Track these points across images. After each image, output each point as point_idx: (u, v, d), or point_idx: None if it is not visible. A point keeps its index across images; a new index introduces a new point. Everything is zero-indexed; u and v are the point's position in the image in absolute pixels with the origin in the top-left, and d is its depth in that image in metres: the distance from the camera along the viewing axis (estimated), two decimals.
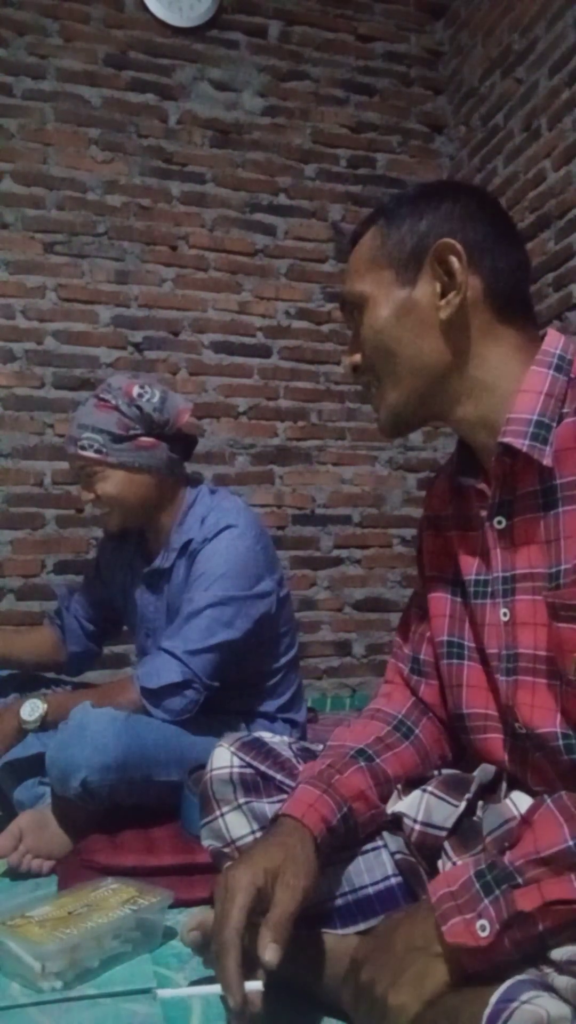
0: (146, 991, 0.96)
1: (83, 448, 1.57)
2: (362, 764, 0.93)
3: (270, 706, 1.65)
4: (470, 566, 0.91)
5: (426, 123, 3.17)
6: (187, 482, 1.68)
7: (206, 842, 0.98)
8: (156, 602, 1.68)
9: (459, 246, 0.83)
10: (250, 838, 0.94)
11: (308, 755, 1.00)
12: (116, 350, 2.71)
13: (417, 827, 0.86)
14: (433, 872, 0.85)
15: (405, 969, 0.69)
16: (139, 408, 1.57)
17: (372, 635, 2.90)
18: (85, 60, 2.75)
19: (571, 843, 0.66)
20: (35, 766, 1.51)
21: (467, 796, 0.86)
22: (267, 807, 0.94)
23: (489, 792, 0.88)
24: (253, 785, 0.96)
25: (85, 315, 2.69)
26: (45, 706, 1.51)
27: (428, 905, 0.71)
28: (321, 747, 1.01)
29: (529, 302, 0.89)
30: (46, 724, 1.50)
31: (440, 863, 0.84)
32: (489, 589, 0.88)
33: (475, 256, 0.84)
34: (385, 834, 0.93)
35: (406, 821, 0.87)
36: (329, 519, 2.90)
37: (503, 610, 0.86)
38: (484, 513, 0.87)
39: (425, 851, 0.86)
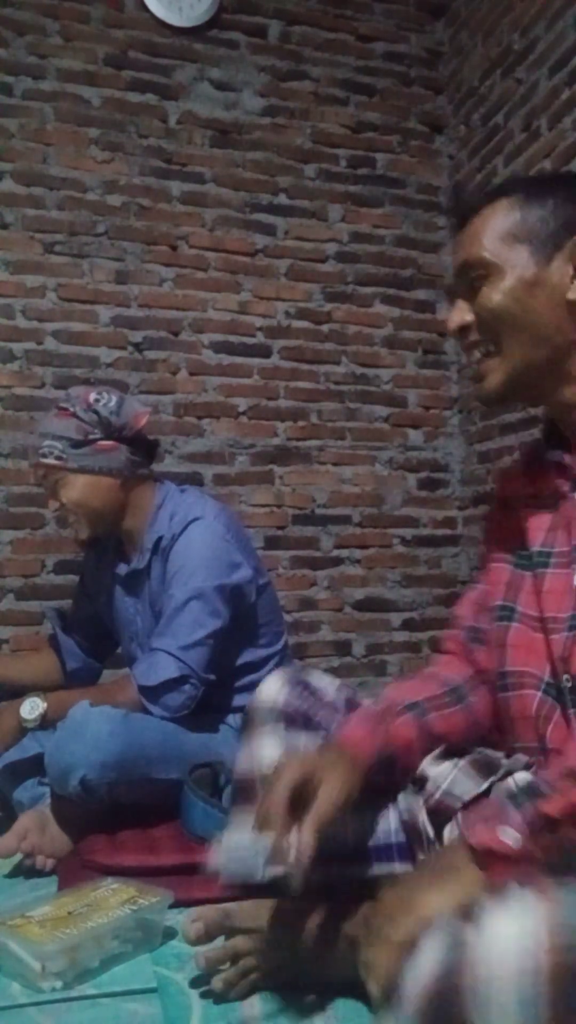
0: (146, 991, 0.96)
1: (44, 456, 1.60)
2: (412, 716, 0.98)
3: None
4: (537, 538, 0.96)
5: (426, 123, 3.17)
6: (154, 483, 1.70)
7: (239, 769, 1.03)
8: (136, 604, 1.69)
9: None
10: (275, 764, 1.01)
11: (352, 705, 1.06)
12: (116, 350, 2.71)
13: (438, 794, 0.92)
14: (439, 837, 0.92)
15: (437, 881, 0.71)
16: (96, 412, 1.60)
17: (372, 635, 2.90)
18: (85, 60, 2.75)
19: None
20: (34, 767, 1.51)
21: (492, 779, 0.91)
22: (303, 738, 1.01)
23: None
24: (292, 718, 1.02)
25: (85, 315, 2.69)
26: (45, 704, 1.51)
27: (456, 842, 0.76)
28: (366, 700, 1.07)
29: None
30: (46, 723, 1.50)
31: (447, 829, 0.91)
32: (557, 560, 0.93)
33: None
34: (400, 794, 0.98)
35: (429, 786, 0.93)
36: (329, 519, 2.90)
37: None
38: (565, 488, 0.92)
39: (437, 816, 0.91)
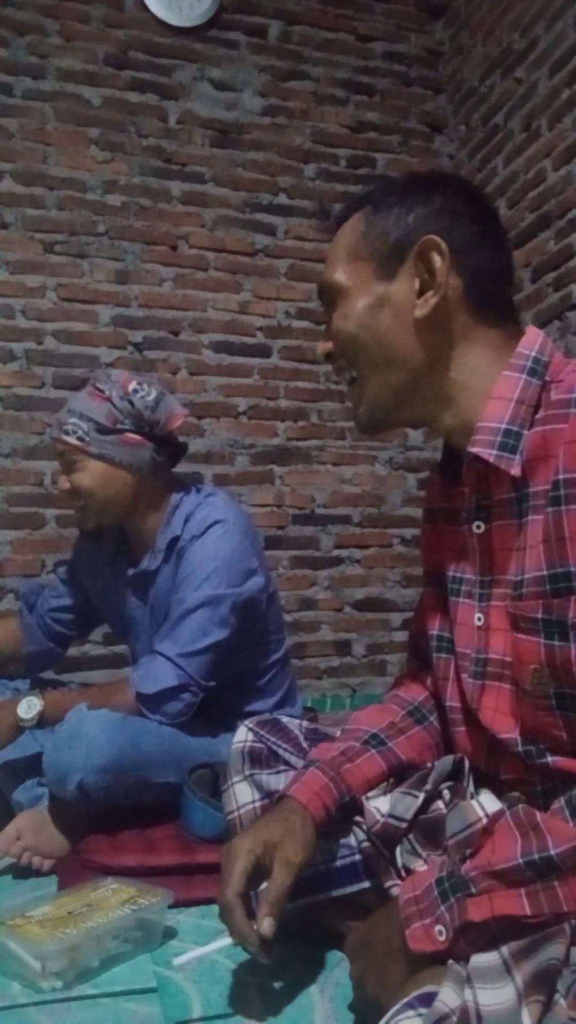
0: (146, 991, 0.96)
1: (66, 433, 1.54)
2: (373, 750, 0.97)
3: (264, 705, 1.64)
4: (451, 562, 0.92)
5: (426, 123, 3.17)
6: (173, 487, 1.65)
7: (226, 809, 1.05)
8: (143, 606, 1.67)
9: (444, 245, 0.81)
10: (250, 806, 1.00)
11: (314, 735, 1.06)
12: (116, 350, 2.71)
13: (381, 820, 0.91)
14: (392, 859, 0.92)
15: (388, 971, 0.74)
16: (131, 403, 1.55)
17: (372, 635, 2.90)
18: (85, 60, 2.75)
19: (520, 861, 0.68)
20: (34, 767, 1.50)
21: (426, 788, 0.90)
22: (269, 778, 1.01)
23: (456, 781, 0.92)
24: (259, 758, 1.03)
25: (85, 315, 2.69)
26: (42, 703, 1.50)
27: (397, 907, 0.76)
28: (330, 729, 1.07)
29: (510, 304, 0.88)
30: (43, 722, 1.49)
31: (398, 850, 0.91)
32: (465, 589, 0.89)
33: (459, 256, 0.82)
34: (355, 827, 0.97)
35: (370, 818, 0.93)
36: (329, 519, 2.90)
37: (478, 614, 0.86)
38: (464, 515, 0.87)
39: (385, 840, 0.91)
